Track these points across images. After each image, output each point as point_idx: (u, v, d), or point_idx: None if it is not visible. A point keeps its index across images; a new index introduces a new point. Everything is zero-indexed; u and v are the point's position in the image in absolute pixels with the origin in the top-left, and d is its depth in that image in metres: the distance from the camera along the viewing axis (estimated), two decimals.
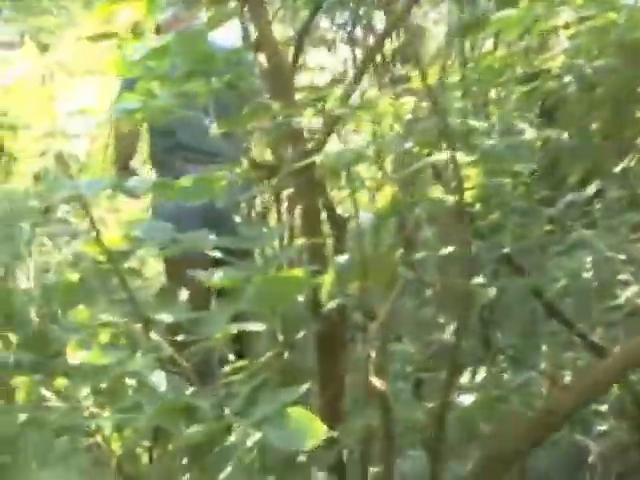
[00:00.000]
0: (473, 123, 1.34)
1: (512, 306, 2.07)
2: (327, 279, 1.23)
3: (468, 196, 1.61)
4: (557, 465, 2.15)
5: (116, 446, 1.22)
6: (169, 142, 2.72)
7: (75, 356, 1.21)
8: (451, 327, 1.99)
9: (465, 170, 1.53)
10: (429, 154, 1.48)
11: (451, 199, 1.59)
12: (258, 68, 1.53)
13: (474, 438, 1.43)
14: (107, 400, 1.23)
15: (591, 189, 1.97)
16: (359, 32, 4.05)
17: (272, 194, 1.44)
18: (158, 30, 2.78)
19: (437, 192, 1.61)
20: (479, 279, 1.51)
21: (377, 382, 1.10)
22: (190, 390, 1.15)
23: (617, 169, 2.06)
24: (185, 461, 1.09)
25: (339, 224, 1.43)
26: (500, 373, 1.76)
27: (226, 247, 1.37)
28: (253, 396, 0.99)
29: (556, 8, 1.95)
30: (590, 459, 2.08)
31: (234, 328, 1.16)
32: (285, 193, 1.75)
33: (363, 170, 1.68)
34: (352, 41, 3.93)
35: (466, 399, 1.42)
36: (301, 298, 1.27)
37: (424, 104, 1.57)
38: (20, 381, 1.28)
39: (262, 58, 1.53)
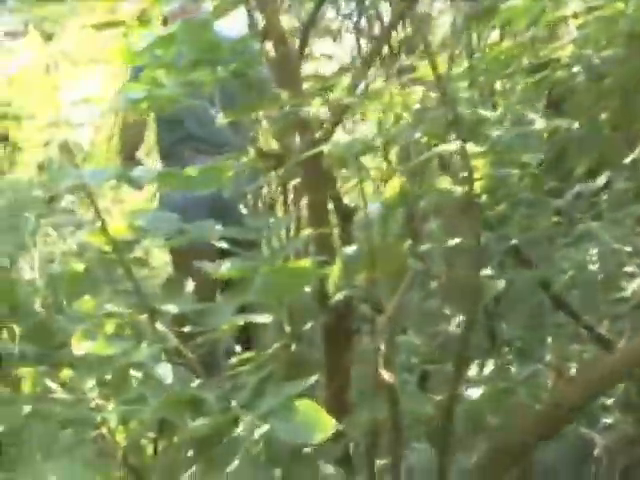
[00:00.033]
0: (483, 113, 1.33)
1: (518, 298, 2.06)
2: (335, 270, 1.22)
3: (476, 187, 1.60)
4: (563, 458, 2.14)
5: (121, 438, 1.21)
6: (179, 133, 2.71)
7: (80, 347, 1.21)
8: (457, 319, 1.98)
9: (473, 161, 1.51)
10: (436, 145, 1.47)
11: (459, 190, 1.58)
12: (265, 57, 1.52)
13: (481, 430, 1.42)
14: (112, 392, 1.22)
15: (601, 180, 1.96)
16: (364, 22, 4.03)
17: (279, 184, 1.43)
18: (165, 22, 2.77)
19: (444, 183, 1.59)
20: (487, 271, 1.49)
21: (385, 374, 1.09)
22: (196, 382, 1.14)
23: (626, 160, 2.05)
24: (191, 453, 1.09)
25: (346, 215, 1.41)
26: (506, 365, 1.75)
27: (232, 238, 1.36)
28: (260, 388, 0.98)
29: None
30: (596, 452, 2.08)
31: (241, 319, 1.15)
32: (292, 183, 1.74)
33: (369, 160, 1.67)
34: (358, 31, 3.92)
35: (474, 392, 1.41)
36: (308, 289, 1.26)
37: (432, 94, 1.55)
38: (25, 372, 1.27)
39: (269, 47, 1.52)
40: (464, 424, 1.38)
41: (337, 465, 1.16)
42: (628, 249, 1.97)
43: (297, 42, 1.63)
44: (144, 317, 1.29)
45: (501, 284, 1.42)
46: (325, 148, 1.27)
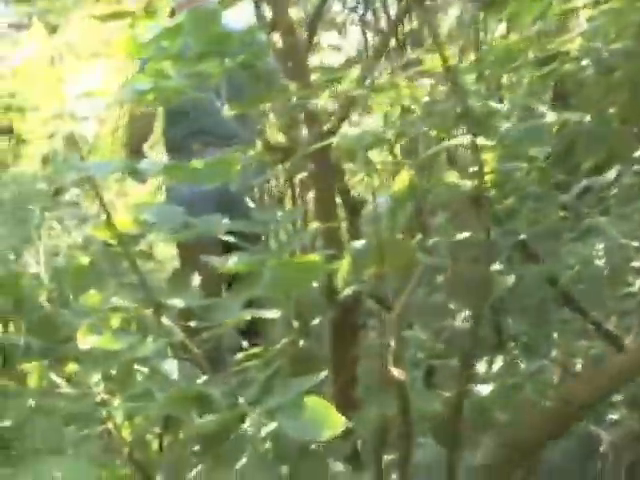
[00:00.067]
0: (494, 105, 1.31)
1: (526, 293, 2.04)
2: (344, 265, 1.20)
3: (479, 181, 1.59)
4: (568, 454, 2.13)
5: (127, 433, 1.20)
6: (189, 127, 2.70)
7: (86, 341, 1.19)
8: (463, 314, 1.97)
9: (482, 154, 1.50)
10: (444, 138, 1.45)
11: (467, 184, 1.56)
12: (272, 49, 1.50)
13: (488, 427, 1.40)
14: (117, 386, 1.21)
15: (611, 174, 1.94)
16: (370, 15, 4.01)
17: (286, 178, 1.42)
18: (173, 13, 2.75)
19: (452, 177, 1.58)
20: (495, 266, 1.48)
21: (395, 371, 1.08)
22: (202, 378, 1.13)
23: (636, 154, 2.03)
24: (197, 449, 1.07)
25: (354, 208, 1.40)
26: (514, 361, 1.73)
27: (239, 231, 1.34)
28: (268, 385, 0.96)
29: None
30: (602, 448, 2.07)
31: (249, 315, 1.13)
32: (299, 177, 1.72)
33: (375, 154, 1.65)
34: (363, 24, 3.90)
35: (483, 389, 1.39)
36: (316, 284, 1.24)
37: (441, 86, 1.54)
38: (31, 366, 1.26)
39: (276, 38, 1.50)
40: (471, 421, 1.36)
41: (345, 461, 1.15)
42: (635, 244, 1.95)
43: (304, 34, 1.61)
44: (150, 311, 1.28)
45: (510, 279, 1.41)
46: (334, 140, 1.25)
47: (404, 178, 1.38)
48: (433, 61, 1.74)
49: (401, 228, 1.43)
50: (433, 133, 1.37)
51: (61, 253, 1.81)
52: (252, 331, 1.88)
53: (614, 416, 2.00)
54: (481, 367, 1.57)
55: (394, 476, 1.34)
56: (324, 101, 1.33)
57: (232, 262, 1.10)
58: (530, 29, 2.22)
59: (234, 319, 1.16)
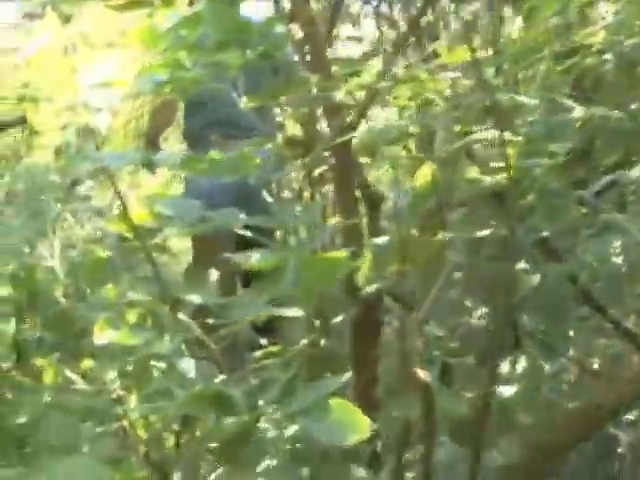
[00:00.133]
0: (522, 100, 1.27)
1: (547, 291, 2.01)
2: (365, 261, 1.17)
3: (505, 177, 1.56)
4: (586, 455, 2.11)
5: (143, 431, 1.18)
6: (207, 118, 2.67)
7: (102, 336, 1.17)
8: (479, 311, 1.94)
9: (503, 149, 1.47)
10: (467, 132, 1.42)
11: (488, 180, 1.53)
12: (291, 40, 1.47)
13: (510, 428, 1.37)
14: (133, 383, 1.18)
15: (635, 172, 1.90)
16: (382, 7, 3.97)
17: (306, 172, 1.39)
18: (191, 3, 2.71)
19: (473, 172, 1.55)
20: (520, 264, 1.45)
21: (421, 373, 1.05)
22: (220, 377, 1.10)
23: None
24: (215, 449, 1.05)
25: (374, 203, 1.37)
26: (535, 362, 1.70)
27: (257, 226, 1.32)
28: (290, 386, 0.94)
29: None
30: (619, 449, 2.05)
31: (270, 313, 1.11)
32: (317, 171, 1.70)
33: (388, 148, 1.62)
34: (378, 16, 3.86)
35: (505, 390, 1.36)
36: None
37: (464, 80, 1.50)
38: (46, 362, 1.24)
39: (295, 30, 1.47)
40: (493, 421, 1.33)
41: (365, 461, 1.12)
42: None
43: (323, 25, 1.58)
44: (166, 307, 1.26)
45: (536, 279, 1.38)
46: (357, 134, 1.22)
47: (426, 173, 1.35)
48: (453, 54, 1.70)
49: (420, 224, 1.40)
50: (457, 128, 1.34)
51: (76, 246, 1.79)
52: (268, 329, 1.85)
53: (631, 417, 1.98)
54: (504, 367, 1.54)
55: (410, 475, 1.32)
56: (346, 94, 1.29)
57: (255, 259, 1.08)
58: (550, 22, 2.18)
59: (253, 316, 1.13)
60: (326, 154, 1.39)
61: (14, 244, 1.37)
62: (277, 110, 2.48)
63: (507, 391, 1.36)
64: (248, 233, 1.33)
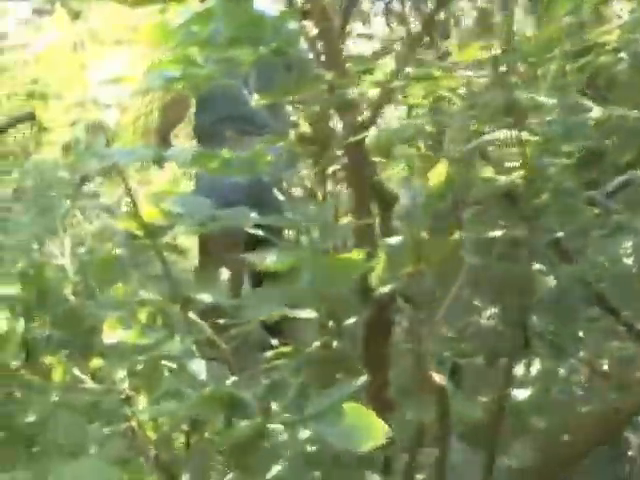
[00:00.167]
0: (540, 99, 1.25)
1: (556, 292, 1.99)
2: (379, 262, 1.15)
3: (517, 176, 1.54)
4: (596, 457, 2.09)
5: (152, 432, 1.16)
6: (218, 113, 2.65)
7: (112, 335, 1.16)
8: (488, 312, 1.92)
9: (515, 148, 1.45)
10: (482, 132, 1.40)
11: (502, 179, 1.52)
12: (304, 36, 1.45)
13: (524, 430, 1.36)
14: (143, 383, 1.17)
15: None
16: (393, 4, 3.95)
17: (319, 171, 1.37)
18: None
19: (487, 172, 1.53)
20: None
21: (437, 377, 1.03)
22: (231, 379, 1.08)
23: None
24: (225, 452, 1.03)
25: (387, 203, 1.35)
26: (548, 364, 1.68)
27: (268, 225, 1.30)
28: (303, 389, 0.92)
29: None
30: (630, 452, 2.02)
31: (283, 313, 1.09)
32: (330, 169, 1.68)
33: (405, 147, 1.60)
34: (389, 12, 3.84)
35: (520, 393, 1.34)
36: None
37: (480, 78, 1.48)
38: (55, 361, 1.22)
39: (309, 25, 1.45)
40: (507, 425, 1.32)
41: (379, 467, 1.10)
42: None
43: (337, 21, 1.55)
44: (176, 306, 1.24)
45: (551, 280, 1.35)
46: (373, 133, 1.20)
47: (440, 172, 1.33)
48: (465, 52, 1.68)
49: (433, 224, 1.38)
50: (472, 126, 1.32)
51: (84, 244, 1.78)
52: (277, 328, 1.83)
53: None
54: (518, 370, 1.52)
55: (420, 477, 1.30)
56: (361, 91, 1.27)
57: (271, 260, 1.06)
58: (564, 21, 2.16)
59: (266, 316, 1.12)
60: (338, 153, 1.37)
61: (23, 241, 1.36)
62: (290, 108, 2.46)
63: (521, 394, 1.34)
64: (260, 232, 1.31)
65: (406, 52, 1.40)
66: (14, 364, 1.20)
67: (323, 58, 1.34)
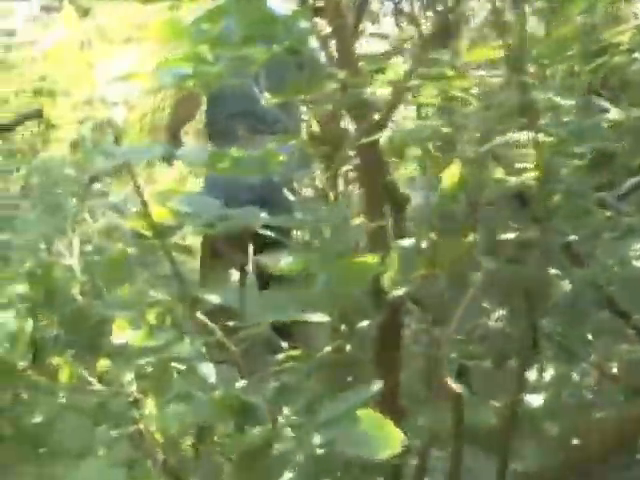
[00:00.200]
0: (558, 99, 1.23)
1: (572, 296, 1.97)
2: (393, 265, 1.13)
3: (529, 177, 1.52)
4: (609, 462, 2.07)
5: (160, 435, 1.14)
6: (230, 109, 2.62)
7: (121, 336, 1.14)
8: (496, 314, 1.90)
9: (526, 149, 1.43)
10: (497, 132, 1.38)
11: (513, 180, 1.50)
12: (316, 34, 1.43)
13: (538, 438, 1.34)
14: (151, 385, 1.15)
15: None
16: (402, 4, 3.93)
17: (332, 172, 1.35)
18: None
19: (498, 173, 1.51)
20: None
21: (453, 384, 1.01)
22: (241, 382, 1.06)
23: None
24: (233, 461, 1.01)
25: (400, 204, 1.33)
26: (561, 369, 1.66)
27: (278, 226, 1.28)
28: (315, 395, 0.90)
29: None
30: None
31: (300, 318, 1.07)
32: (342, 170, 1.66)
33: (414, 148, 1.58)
34: (398, 13, 3.82)
35: (534, 399, 1.32)
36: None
37: (493, 78, 1.46)
38: (62, 362, 1.21)
39: (321, 24, 1.43)
40: (520, 430, 1.30)
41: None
42: None
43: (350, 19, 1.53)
44: (185, 307, 1.22)
45: (566, 285, 1.33)
46: (386, 134, 1.18)
47: (454, 173, 1.31)
48: (476, 52, 1.66)
49: (445, 225, 1.36)
50: (487, 127, 1.29)
51: (91, 241, 1.76)
52: (286, 331, 1.81)
53: None
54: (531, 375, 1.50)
55: None
56: (374, 90, 1.25)
57: (285, 262, 1.04)
58: (577, 21, 2.13)
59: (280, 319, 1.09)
60: (350, 153, 1.35)
61: (31, 240, 1.34)
62: (302, 107, 2.44)
63: (534, 399, 1.32)
64: (269, 233, 1.30)
65: (420, 52, 1.38)
66: (21, 364, 1.19)
67: (335, 56, 1.32)
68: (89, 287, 1.24)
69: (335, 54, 1.33)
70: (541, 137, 1.19)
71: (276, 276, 1.17)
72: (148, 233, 1.28)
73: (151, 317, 1.19)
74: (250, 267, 2.57)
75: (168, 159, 1.38)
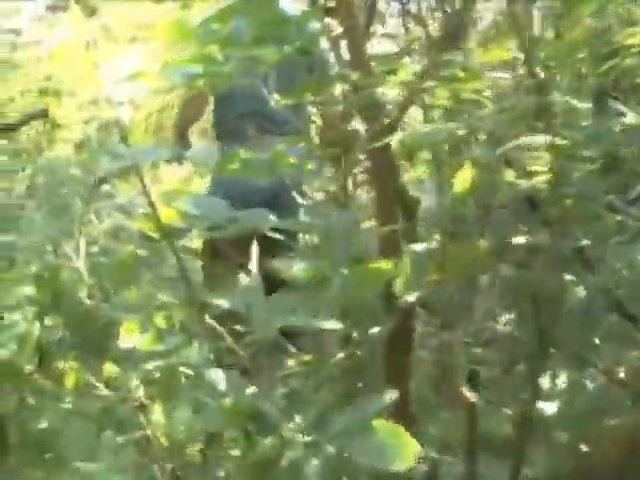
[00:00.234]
0: (574, 102, 1.21)
1: (584, 302, 1.95)
2: (405, 269, 1.11)
3: (541, 181, 1.50)
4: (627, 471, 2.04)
5: (166, 441, 1.12)
6: (240, 109, 2.60)
7: (128, 340, 1.12)
8: (505, 317, 1.88)
9: (540, 152, 1.41)
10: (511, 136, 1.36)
11: (524, 184, 1.48)
12: (326, 35, 1.41)
13: (551, 446, 1.31)
14: (159, 391, 1.13)
15: None
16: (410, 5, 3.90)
17: (344, 174, 1.33)
18: None
19: (509, 176, 1.50)
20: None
21: (468, 393, 0.99)
22: (250, 389, 1.04)
23: None
24: (244, 469, 0.99)
25: (411, 208, 1.31)
26: (575, 377, 1.64)
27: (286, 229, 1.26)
28: (329, 405, 0.87)
29: None
30: None
31: (309, 324, 1.05)
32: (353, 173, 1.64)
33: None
34: (406, 13, 3.79)
35: (547, 406, 1.30)
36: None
37: (506, 80, 1.45)
38: (68, 366, 1.19)
39: (332, 24, 1.42)
40: (533, 438, 1.27)
41: None
42: None
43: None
44: (193, 310, 1.20)
45: (581, 291, 1.31)
46: (398, 137, 1.16)
47: (466, 176, 1.29)
48: (488, 53, 1.64)
49: (456, 229, 1.34)
50: (501, 130, 1.27)
51: (97, 242, 1.74)
52: (293, 333, 1.79)
53: None
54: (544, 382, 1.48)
55: None
56: (389, 91, 1.23)
57: (299, 268, 1.02)
58: (584, 22, 2.11)
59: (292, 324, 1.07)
60: (361, 156, 1.33)
61: (37, 242, 1.32)
62: (312, 109, 2.42)
63: (547, 407, 1.30)
64: (276, 235, 1.28)
65: (433, 53, 1.36)
66: (28, 368, 1.17)
67: (346, 57, 1.30)
68: (96, 290, 1.22)
69: (346, 55, 1.31)
70: (557, 140, 1.17)
71: (285, 280, 1.15)
72: (155, 235, 1.26)
73: (159, 320, 1.17)
74: (253, 268, 2.55)
75: (178, 159, 1.36)
